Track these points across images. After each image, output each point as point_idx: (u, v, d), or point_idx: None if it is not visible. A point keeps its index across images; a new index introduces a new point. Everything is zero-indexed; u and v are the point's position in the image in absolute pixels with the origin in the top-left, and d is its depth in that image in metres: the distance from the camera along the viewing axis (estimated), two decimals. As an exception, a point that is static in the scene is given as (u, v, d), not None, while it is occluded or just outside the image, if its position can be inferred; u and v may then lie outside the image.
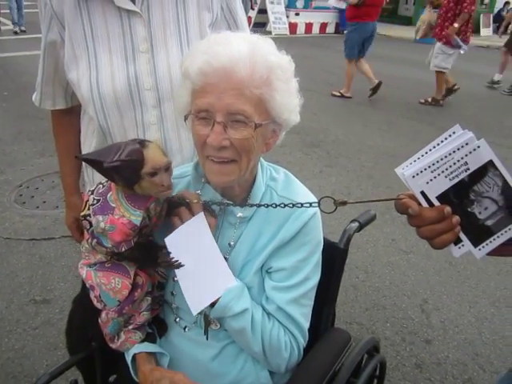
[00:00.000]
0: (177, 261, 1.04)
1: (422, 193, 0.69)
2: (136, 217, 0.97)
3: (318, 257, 1.13)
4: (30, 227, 3.32)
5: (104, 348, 1.19)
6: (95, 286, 1.06)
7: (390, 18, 17.24)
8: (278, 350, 1.10)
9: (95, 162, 0.94)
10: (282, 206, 0.99)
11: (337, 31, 15.25)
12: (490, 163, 0.68)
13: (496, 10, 17.25)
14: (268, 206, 1.01)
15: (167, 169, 0.98)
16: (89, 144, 1.37)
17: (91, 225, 1.00)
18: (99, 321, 1.11)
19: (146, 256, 1.05)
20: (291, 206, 0.99)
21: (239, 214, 1.09)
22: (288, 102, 1.00)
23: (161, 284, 1.16)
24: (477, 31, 15.86)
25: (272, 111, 0.99)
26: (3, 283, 2.72)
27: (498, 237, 0.71)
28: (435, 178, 0.68)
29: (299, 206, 0.97)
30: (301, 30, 14.25)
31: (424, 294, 2.81)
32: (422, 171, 0.68)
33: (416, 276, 2.99)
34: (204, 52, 0.94)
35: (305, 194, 1.13)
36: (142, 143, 0.97)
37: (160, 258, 1.04)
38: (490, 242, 0.71)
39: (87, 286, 1.08)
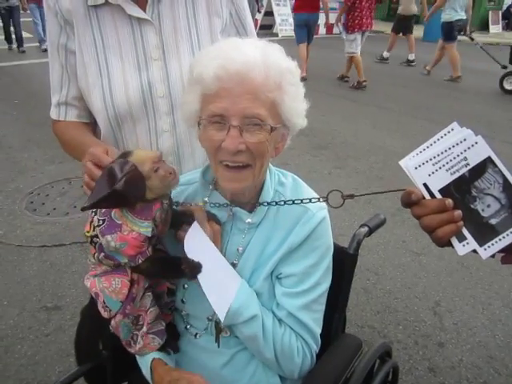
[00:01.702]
0: (198, 262, 1.03)
1: (425, 185, 0.72)
2: (145, 228, 0.97)
3: (328, 262, 1.12)
4: (41, 234, 3.35)
5: (115, 356, 1.19)
6: (99, 292, 1.05)
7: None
8: (291, 356, 1.09)
9: (102, 199, 0.90)
10: (290, 202, 1.02)
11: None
12: (489, 159, 0.71)
13: (505, 7, 17.05)
14: (276, 203, 1.03)
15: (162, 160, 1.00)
16: None
17: (96, 243, 1.00)
18: (110, 328, 1.10)
19: (169, 268, 1.05)
20: (299, 201, 1.01)
21: (248, 220, 1.09)
22: (297, 105, 1.02)
23: (171, 290, 1.16)
24: (485, 28, 15.71)
25: (282, 115, 1.00)
26: (15, 290, 2.74)
27: (503, 237, 0.71)
28: (436, 171, 0.71)
29: (307, 201, 1.01)
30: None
31: (436, 296, 2.78)
32: (423, 163, 0.72)
33: (428, 278, 2.96)
34: (217, 57, 0.95)
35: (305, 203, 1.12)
36: (124, 155, 0.97)
37: (183, 263, 1.03)
38: (496, 242, 0.71)
39: (93, 295, 1.08)
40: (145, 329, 1.10)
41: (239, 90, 0.93)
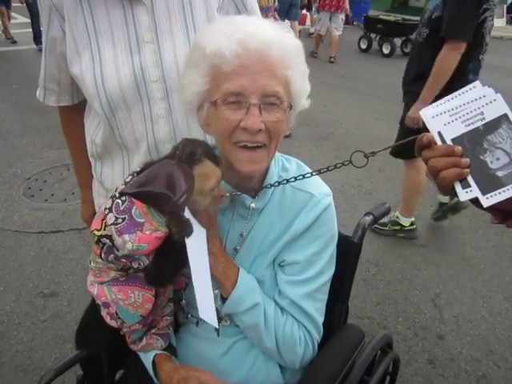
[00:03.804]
0: (187, 219, 0.89)
1: (439, 133, 0.75)
2: None
3: (332, 250, 1.09)
4: (39, 220, 3.32)
5: (111, 344, 1.16)
6: (110, 302, 0.97)
7: (401, 9, 17.06)
8: (293, 346, 1.07)
9: (147, 194, 0.83)
10: (301, 177, 0.99)
11: (347, 22, 15.07)
12: (505, 116, 0.73)
13: (509, 1, 16.90)
14: (287, 181, 1.01)
15: None
16: (91, 137, 1.33)
17: (104, 244, 0.91)
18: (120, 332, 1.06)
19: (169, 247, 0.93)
20: (317, 173, 0.99)
21: (251, 205, 1.06)
22: (304, 85, 1.00)
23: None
24: (489, 22, 15.58)
25: (292, 94, 0.97)
26: (12, 276, 2.72)
27: (507, 189, 0.73)
28: (452, 121, 0.74)
29: (332, 168, 0.96)
30: (309, 21, 14.07)
31: (436, 289, 2.76)
32: (441, 113, 0.75)
33: (428, 270, 2.94)
34: (235, 32, 0.90)
35: (318, 184, 1.09)
36: (192, 157, 0.88)
37: (170, 222, 0.88)
38: (499, 193, 0.72)
39: (99, 303, 0.99)
40: (153, 331, 1.07)
41: (258, 67, 0.89)
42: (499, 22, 15.85)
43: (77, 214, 3.40)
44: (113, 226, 0.87)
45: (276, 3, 7.77)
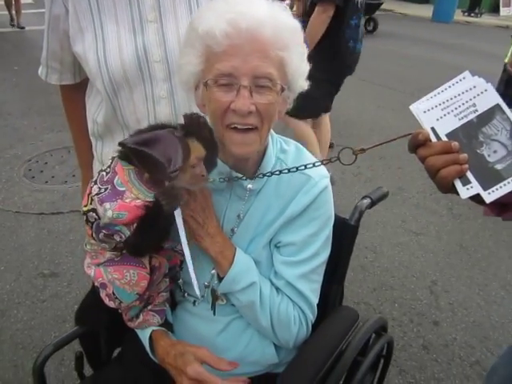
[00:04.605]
0: (176, 193, 0.89)
1: (433, 129, 0.74)
2: (152, 199, 0.89)
3: (328, 232, 1.10)
4: (39, 201, 3.34)
5: (109, 322, 1.18)
6: (107, 283, 0.99)
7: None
8: (287, 325, 1.08)
9: (142, 154, 0.82)
10: (294, 169, 0.98)
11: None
12: (498, 107, 0.72)
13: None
14: (280, 172, 0.99)
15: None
16: (93, 117, 1.33)
17: (95, 219, 0.92)
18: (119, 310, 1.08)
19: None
20: (303, 167, 0.98)
21: (248, 186, 1.06)
22: (303, 66, 0.99)
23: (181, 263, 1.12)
24: (496, 11, 15.42)
25: (289, 75, 0.96)
26: (12, 256, 2.75)
27: (508, 183, 0.72)
28: (445, 115, 0.73)
29: (318, 164, 0.97)
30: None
31: (433, 276, 2.78)
32: (432, 108, 0.74)
33: (425, 257, 2.96)
34: (227, 11, 0.89)
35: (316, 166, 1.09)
36: (187, 131, 0.89)
37: (159, 195, 0.88)
38: (500, 187, 0.72)
39: (97, 284, 1.01)
40: (150, 307, 1.08)
41: (250, 48, 0.88)
42: (505, 11, 15.63)
43: (77, 196, 3.42)
44: (96, 197, 0.89)
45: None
